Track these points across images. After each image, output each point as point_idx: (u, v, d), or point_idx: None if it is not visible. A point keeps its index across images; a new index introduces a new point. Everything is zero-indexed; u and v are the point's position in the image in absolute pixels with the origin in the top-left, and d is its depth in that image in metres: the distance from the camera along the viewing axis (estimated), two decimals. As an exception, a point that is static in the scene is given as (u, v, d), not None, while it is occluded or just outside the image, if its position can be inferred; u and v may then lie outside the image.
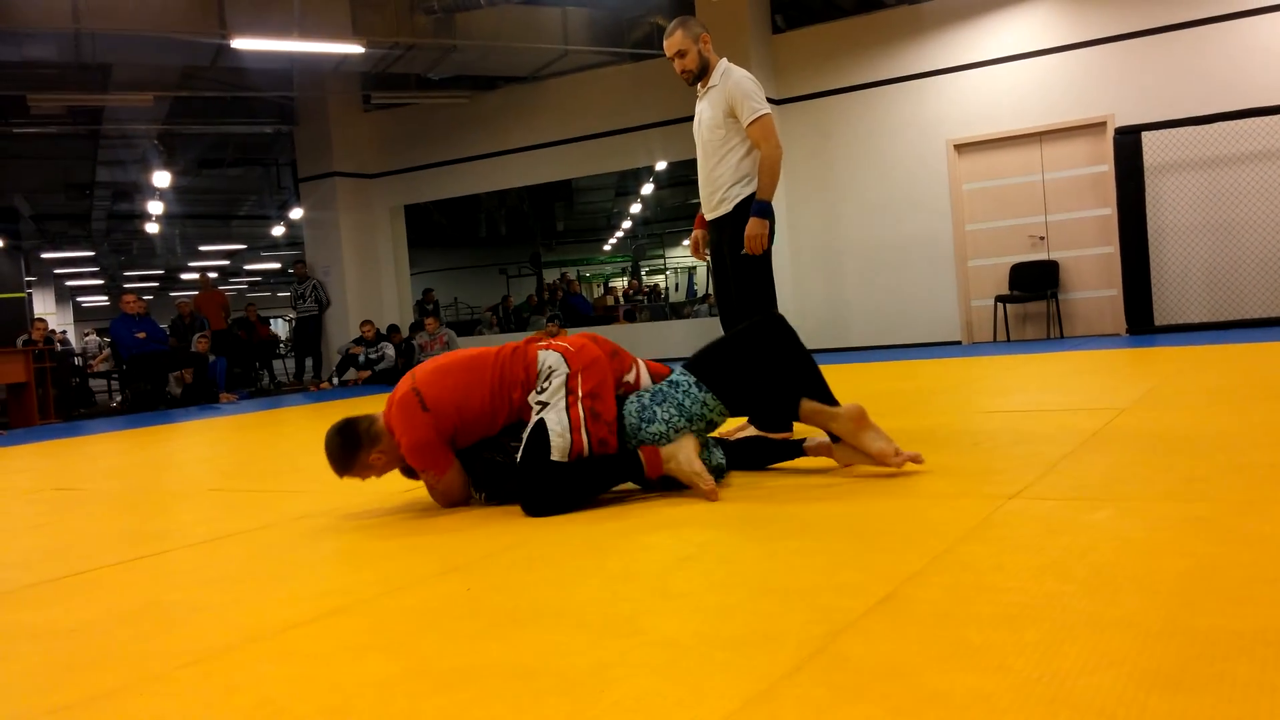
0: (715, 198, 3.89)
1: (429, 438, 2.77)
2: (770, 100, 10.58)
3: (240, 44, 9.28)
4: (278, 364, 16.27)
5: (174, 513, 3.39)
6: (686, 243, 4.22)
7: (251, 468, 4.55)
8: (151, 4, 9.30)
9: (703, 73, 3.86)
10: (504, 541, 2.40)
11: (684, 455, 2.72)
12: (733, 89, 3.75)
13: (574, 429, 2.70)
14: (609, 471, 2.76)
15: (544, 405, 2.75)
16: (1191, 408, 3.75)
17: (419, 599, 1.95)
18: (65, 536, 3.03)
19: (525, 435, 2.73)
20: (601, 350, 2.90)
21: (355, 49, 10.04)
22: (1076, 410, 3.92)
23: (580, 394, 2.75)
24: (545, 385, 2.77)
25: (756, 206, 3.73)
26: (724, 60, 3.88)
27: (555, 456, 2.67)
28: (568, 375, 2.78)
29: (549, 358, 2.82)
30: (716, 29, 10.38)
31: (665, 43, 3.86)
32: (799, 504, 2.54)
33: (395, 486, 3.42)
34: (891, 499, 2.51)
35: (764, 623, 1.60)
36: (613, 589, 1.90)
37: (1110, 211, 9.21)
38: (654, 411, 2.83)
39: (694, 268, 23.84)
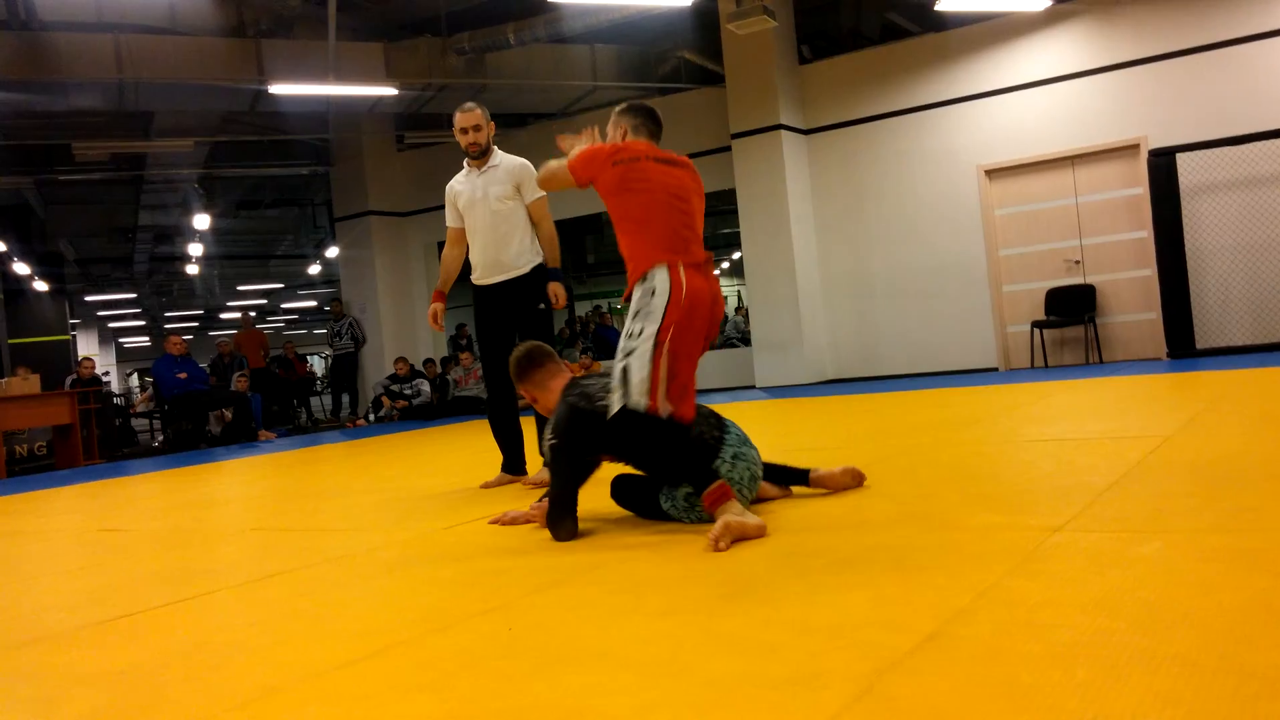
0: (504, 262, 4.37)
1: (600, 152, 3.04)
2: (798, 130, 10.70)
3: (278, 89, 9.49)
4: (314, 401, 16.43)
5: (218, 553, 3.43)
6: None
7: (292, 506, 4.59)
8: (192, 53, 9.55)
9: (487, 150, 4.40)
10: (544, 579, 2.40)
11: (735, 515, 2.61)
12: (521, 170, 4.35)
13: (652, 387, 2.75)
14: (690, 457, 2.75)
15: (630, 353, 2.79)
16: (1237, 434, 3.69)
17: (462, 638, 1.95)
18: (112, 578, 3.07)
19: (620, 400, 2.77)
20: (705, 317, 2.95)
21: (389, 91, 10.22)
22: (1119, 438, 3.87)
23: (666, 348, 2.78)
24: (638, 329, 2.81)
25: (557, 273, 4.45)
26: (495, 147, 4.47)
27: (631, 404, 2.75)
28: (658, 330, 2.79)
29: (659, 285, 2.84)
30: (744, 61, 10.52)
31: (463, 115, 4.37)
32: (840, 536, 2.52)
33: (436, 524, 3.44)
34: (934, 531, 2.49)
35: (809, 662, 1.59)
36: (655, 627, 1.90)
37: (1147, 234, 9.11)
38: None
39: (724, 297, 23.85)
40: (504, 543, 2.96)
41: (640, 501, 3.03)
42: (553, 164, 3.18)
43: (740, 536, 2.55)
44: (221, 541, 3.69)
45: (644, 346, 2.80)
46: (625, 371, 2.79)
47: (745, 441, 2.96)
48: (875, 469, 3.60)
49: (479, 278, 4.46)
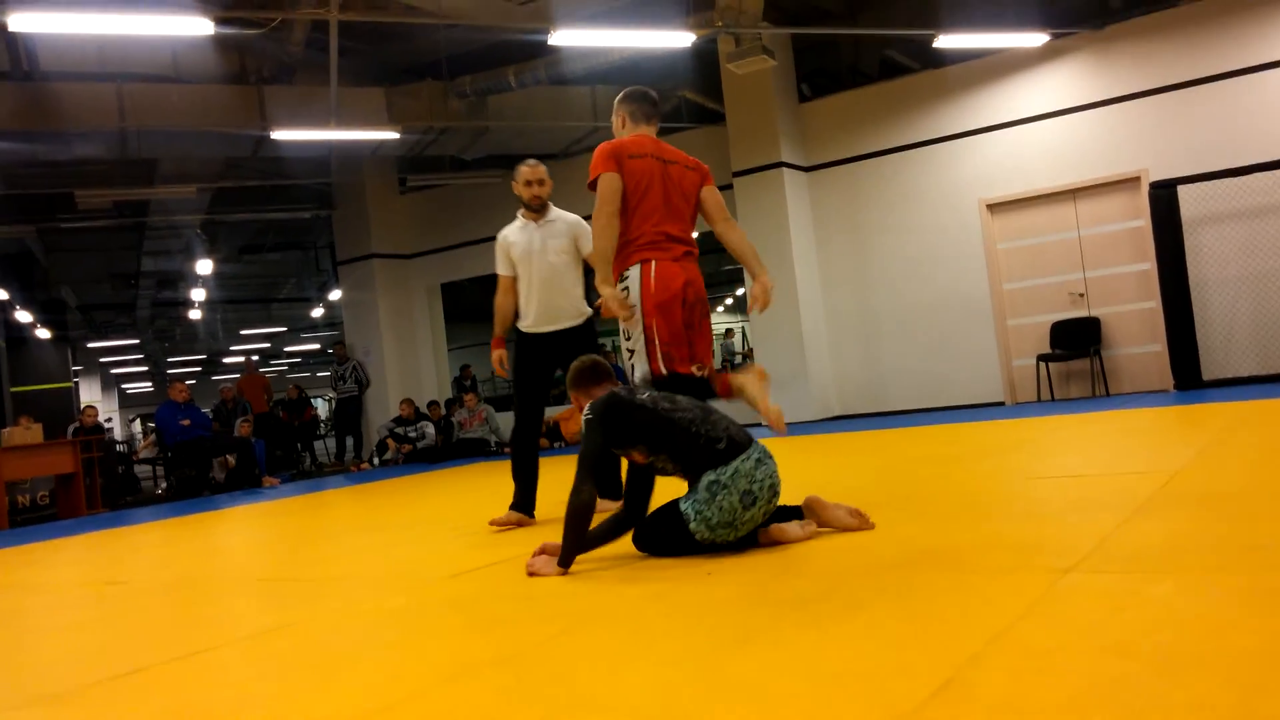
0: (560, 311, 4.55)
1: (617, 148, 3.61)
2: (799, 167, 10.76)
3: (280, 135, 9.56)
4: (318, 444, 16.39)
5: (223, 605, 3.40)
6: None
7: (297, 555, 4.56)
8: (195, 100, 9.64)
9: (545, 204, 4.59)
10: (551, 627, 2.38)
11: (751, 384, 3.36)
12: (577, 225, 4.57)
13: (654, 370, 3.47)
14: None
15: (633, 353, 3.50)
16: (1247, 468, 3.66)
17: (471, 691, 1.93)
18: (117, 633, 3.05)
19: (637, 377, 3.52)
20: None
21: (391, 135, 10.30)
22: (1128, 474, 3.84)
23: (659, 343, 3.45)
24: (629, 330, 3.50)
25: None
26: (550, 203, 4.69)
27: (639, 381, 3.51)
28: (644, 326, 3.46)
29: (631, 284, 3.51)
30: (744, 99, 10.61)
31: (531, 169, 4.58)
32: (849, 578, 2.50)
33: (442, 570, 3.42)
34: (943, 573, 2.46)
35: (823, 712, 1.57)
36: (665, 677, 1.87)
37: (1150, 266, 9.12)
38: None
39: (728, 329, 23.85)
40: (511, 589, 2.94)
41: (666, 533, 3.05)
42: (593, 227, 3.63)
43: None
44: (226, 593, 3.66)
45: (639, 346, 3.47)
46: (633, 369, 3.52)
47: (769, 456, 3.06)
48: (884, 507, 3.57)
49: (530, 325, 4.57)
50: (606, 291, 3.49)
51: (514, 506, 4.50)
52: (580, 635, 2.28)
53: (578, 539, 3.00)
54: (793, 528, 3.10)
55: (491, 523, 4.43)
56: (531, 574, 3.05)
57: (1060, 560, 2.42)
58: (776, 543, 3.06)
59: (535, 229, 4.57)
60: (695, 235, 3.74)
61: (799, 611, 2.25)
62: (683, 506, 2.99)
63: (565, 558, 3.00)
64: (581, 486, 2.98)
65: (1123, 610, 1.93)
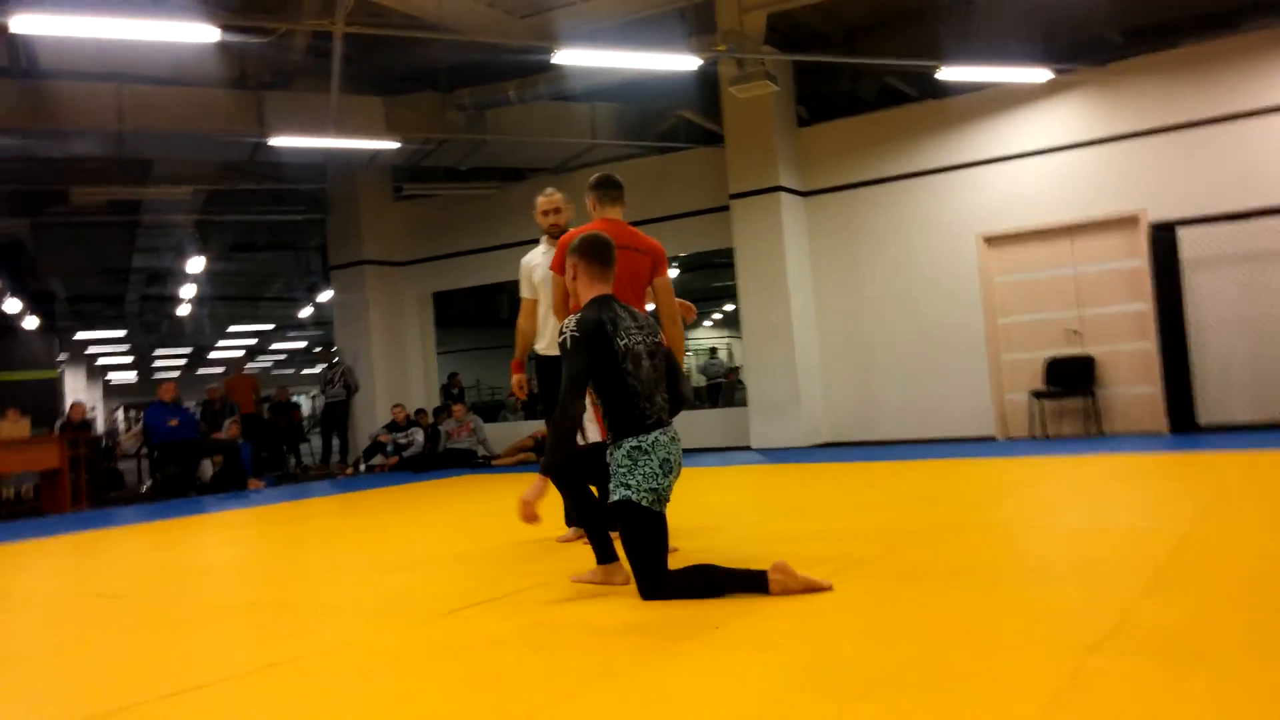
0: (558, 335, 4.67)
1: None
2: (796, 192, 10.73)
3: (278, 142, 9.46)
4: (303, 446, 16.20)
5: (213, 632, 3.31)
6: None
7: (287, 575, 4.46)
8: (194, 104, 9.54)
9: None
10: (557, 686, 2.30)
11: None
12: None
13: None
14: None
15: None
16: (1263, 532, 3.63)
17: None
18: (104, 660, 2.95)
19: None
20: None
21: (389, 145, 10.22)
22: (1137, 532, 3.81)
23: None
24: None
25: None
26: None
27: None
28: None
29: None
30: (744, 122, 10.57)
31: (546, 199, 4.71)
32: (864, 648, 2.44)
33: (440, 604, 3.33)
34: (965, 644, 2.40)
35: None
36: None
37: (1147, 306, 9.12)
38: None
39: (713, 348, 23.76)
40: (510, 633, 2.86)
41: (629, 529, 3.17)
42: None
43: None
44: (217, 619, 3.56)
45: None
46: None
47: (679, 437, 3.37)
48: (887, 559, 3.52)
49: (545, 348, 4.65)
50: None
51: (570, 521, 4.67)
52: (584, 700, 2.21)
53: (563, 451, 3.23)
54: (789, 580, 3.03)
55: (559, 539, 4.61)
56: (529, 516, 3.22)
57: (1081, 636, 2.37)
58: (787, 589, 2.99)
59: (544, 255, 4.67)
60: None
61: (815, 685, 2.18)
62: (612, 489, 3.21)
63: (548, 465, 3.21)
64: (570, 404, 3.17)
65: (1158, 704, 1.88)
